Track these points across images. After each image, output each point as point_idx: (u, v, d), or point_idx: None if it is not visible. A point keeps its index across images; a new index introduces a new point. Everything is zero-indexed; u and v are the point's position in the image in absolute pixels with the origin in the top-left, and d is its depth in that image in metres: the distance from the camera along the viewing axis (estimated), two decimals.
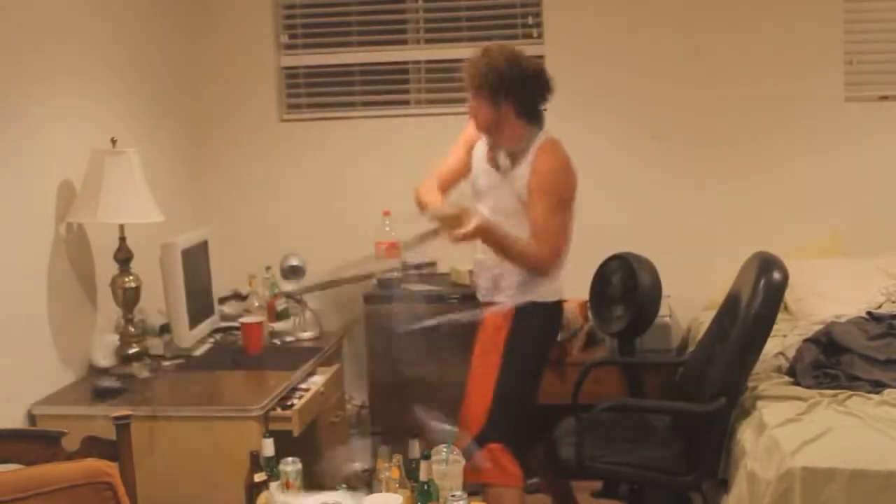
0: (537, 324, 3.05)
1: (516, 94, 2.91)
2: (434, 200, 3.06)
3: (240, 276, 3.96)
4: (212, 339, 3.58)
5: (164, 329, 3.43)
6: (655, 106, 4.26)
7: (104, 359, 3.16)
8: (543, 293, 3.02)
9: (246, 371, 3.19)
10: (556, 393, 3.49)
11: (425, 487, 2.33)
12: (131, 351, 3.13)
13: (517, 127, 2.96)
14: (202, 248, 3.55)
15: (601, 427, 3.09)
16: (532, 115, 2.98)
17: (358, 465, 2.70)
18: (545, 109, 3.06)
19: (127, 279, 3.13)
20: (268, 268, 3.92)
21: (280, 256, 4.06)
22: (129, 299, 3.14)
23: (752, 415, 2.87)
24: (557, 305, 3.10)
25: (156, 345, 3.35)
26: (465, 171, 3.19)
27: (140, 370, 3.09)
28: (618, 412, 3.25)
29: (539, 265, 2.92)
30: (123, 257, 3.14)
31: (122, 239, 3.14)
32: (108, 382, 2.95)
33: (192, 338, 3.34)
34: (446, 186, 3.21)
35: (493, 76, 2.88)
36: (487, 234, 2.88)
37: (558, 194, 2.90)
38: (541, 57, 4.33)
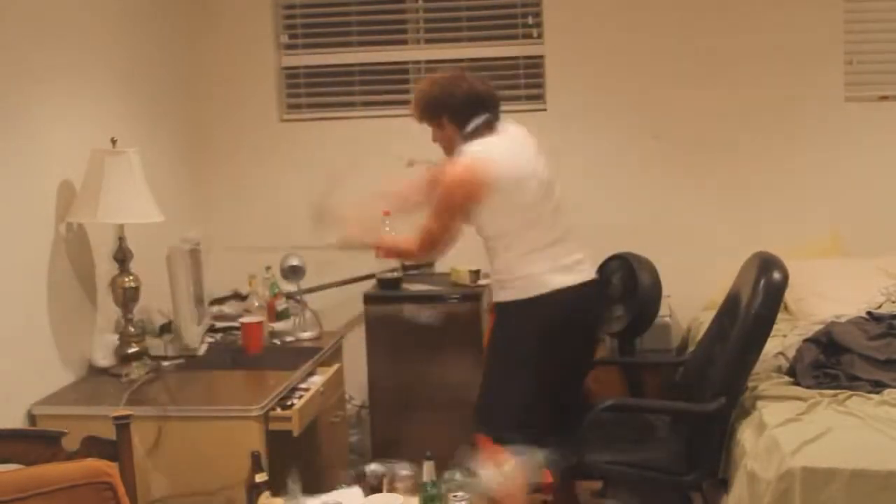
0: (515, 322, 3.04)
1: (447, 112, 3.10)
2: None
3: (240, 276, 3.96)
4: (211, 339, 3.58)
5: (165, 329, 3.43)
6: (655, 106, 4.26)
7: (103, 358, 3.16)
8: (522, 288, 3.00)
9: (246, 371, 3.19)
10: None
11: (428, 489, 2.33)
12: (130, 351, 3.13)
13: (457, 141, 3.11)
14: (197, 248, 3.55)
15: (601, 427, 3.09)
16: (466, 127, 3.07)
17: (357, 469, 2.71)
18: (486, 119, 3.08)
19: (126, 279, 3.13)
20: (268, 268, 3.92)
21: (280, 256, 4.06)
22: (128, 299, 3.14)
23: (752, 415, 2.87)
24: (543, 299, 2.99)
25: (156, 345, 3.36)
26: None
27: (139, 370, 3.09)
28: (618, 412, 3.24)
29: (406, 256, 3.47)
30: (123, 257, 3.14)
31: (122, 239, 3.15)
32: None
33: (199, 338, 3.36)
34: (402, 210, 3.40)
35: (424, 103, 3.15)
36: (351, 243, 3.19)
37: (445, 202, 3.02)
38: (541, 57, 4.35)
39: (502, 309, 3.07)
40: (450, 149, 3.11)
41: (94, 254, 3.27)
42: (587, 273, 3.10)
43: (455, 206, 3.01)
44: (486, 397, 3.08)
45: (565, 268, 3.02)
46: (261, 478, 2.47)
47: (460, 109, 3.05)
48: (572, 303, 3.01)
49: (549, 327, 2.98)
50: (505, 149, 3.02)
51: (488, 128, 3.05)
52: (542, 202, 3.05)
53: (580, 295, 3.04)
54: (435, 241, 3.07)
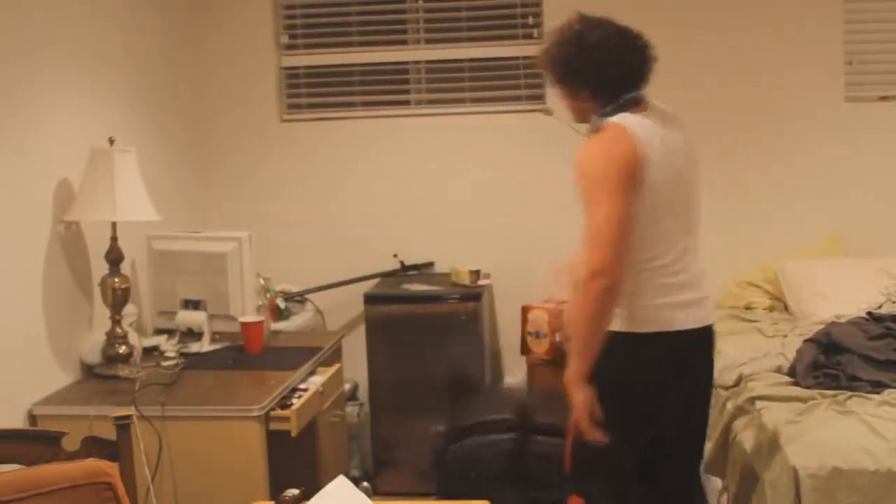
0: (611, 363, 2.37)
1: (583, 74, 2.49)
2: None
3: None
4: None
5: (164, 329, 3.43)
6: None
7: (90, 353, 3.14)
8: (625, 319, 2.40)
9: (246, 371, 3.19)
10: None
11: None
12: (120, 351, 3.12)
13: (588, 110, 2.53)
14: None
15: None
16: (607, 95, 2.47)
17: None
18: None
19: (116, 279, 3.12)
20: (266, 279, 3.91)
21: (280, 256, 4.06)
22: (117, 300, 3.12)
23: (752, 415, 2.87)
24: (659, 338, 2.40)
25: (156, 345, 3.36)
26: None
27: (125, 370, 3.08)
28: None
29: (591, 283, 2.28)
30: (114, 258, 3.13)
31: (114, 239, 3.13)
32: None
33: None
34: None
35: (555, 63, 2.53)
36: (575, 367, 2.38)
37: (593, 184, 2.34)
38: None
39: (608, 342, 2.38)
40: (579, 117, 2.58)
41: (91, 253, 3.26)
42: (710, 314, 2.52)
43: (610, 179, 2.31)
44: (574, 440, 2.46)
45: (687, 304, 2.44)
46: None
47: (606, 88, 2.47)
48: (667, 350, 2.43)
49: (657, 372, 2.43)
50: (651, 130, 2.41)
51: (636, 105, 2.47)
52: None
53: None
54: (602, 238, 2.29)
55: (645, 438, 2.44)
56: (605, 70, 2.46)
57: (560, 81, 2.54)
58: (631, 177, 2.33)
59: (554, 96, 2.65)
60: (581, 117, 2.56)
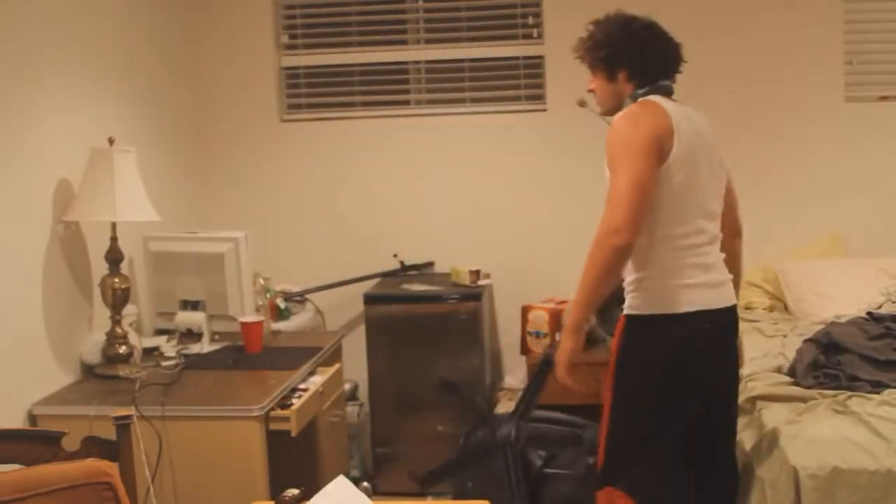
0: (644, 344, 2.45)
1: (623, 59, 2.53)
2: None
3: None
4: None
5: (164, 330, 3.43)
6: None
7: (90, 353, 3.14)
8: (656, 300, 2.44)
9: (246, 371, 3.19)
10: (558, 394, 3.48)
11: None
12: (121, 351, 3.12)
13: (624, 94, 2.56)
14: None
15: None
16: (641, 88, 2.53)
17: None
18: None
19: (116, 279, 3.12)
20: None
21: (280, 256, 4.06)
22: (117, 300, 3.12)
23: (752, 415, 2.87)
24: (684, 319, 2.43)
25: (156, 345, 3.36)
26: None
27: (125, 370, 3.08)
28: None
29: (605, 239, 2.31)
30: (114, 258, 3.13)
31: (114, 239, 3.13)
32: None
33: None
34: None
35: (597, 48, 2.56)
36: (576, 315, 2.44)
37: (619, 149, 2.38)
38: (541, 57, 4.35)
39: (629, 324, 2.49)
40: (609, 103, 2.60)
41: (91, 253, 3.26)
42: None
43: (636, 143, 2.35)
44: (607, 431, 2.52)
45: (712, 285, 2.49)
46: None
47: (646, 69, 2.52)
48: (695, 330, 2.46)
49: (685, 356, 2.46)
50: (682, 114, 2.48)
51: (668, 94, 2.55)
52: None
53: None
54: (622, 199, 2.31)
55: (680, 421, 2.45)
56: (648, 51, 2.53)
57: (601, 62, 2.56)
58: (658, 144, 2.38)
59: (586, 87, 2.65)
60: (615, 103, 2.58)
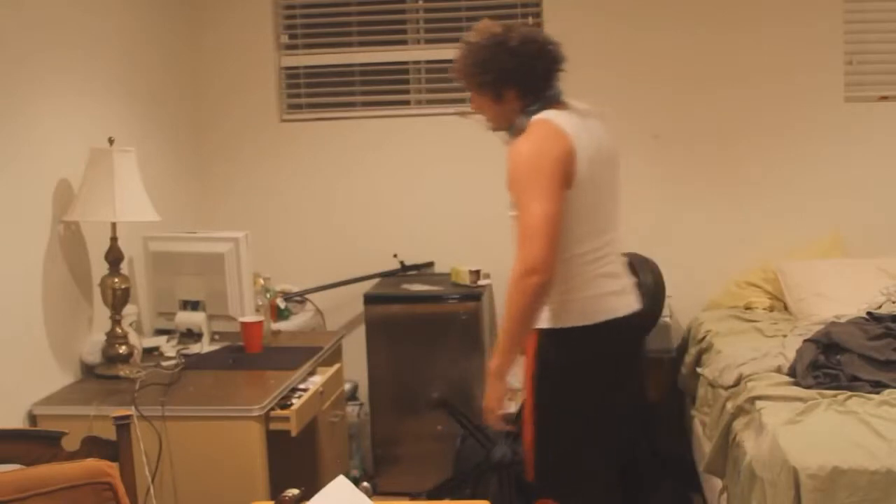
0: (559, 356, 2.49)
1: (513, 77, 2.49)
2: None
3: None
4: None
5: (164, 330, 3.43)
6: (656, 107, 4.26)
7: (90, 353, 3.14)
8: (568, 313, 2.46)
9: (246, 371, 3.19)
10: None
11: None
12: (121, 351, 3.12)
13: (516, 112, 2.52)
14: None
15: None
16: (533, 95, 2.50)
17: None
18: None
19: (116, 280, 3.12)
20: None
21: (280, 256, 4.06)
22: (117, 300, 3.12)
23: (752, 415, 2.87)
24: (590, 331, 2.46)
25: (156, 345, 3.36)
26: None
27: (125, 370, 3.08)
28: None
29: (525, 280, 2.29)
30: (114, 258, 3.13)
31: (114, 239, 3.13)
32: None
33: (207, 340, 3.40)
34: None
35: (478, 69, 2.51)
36: (499, 360, 2.48)
37: (527, 179, 2.35)
38: None
39: (540, 338, 2.50)
40: (499, 121, 2.57)
41: (90, 253, 3.26)
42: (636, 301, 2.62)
43: (543, 174, 2.32)
44: (533, 441, 2.56)
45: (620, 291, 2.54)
46: None
47: (534, 84, 2.48)
48: (600, 340, 2.50)
49: (595, 363, 2.51)
50: (578, 126, 2.44)
51: (557, 102, 2.51)
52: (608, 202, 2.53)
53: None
54: (536, 234, 2.29)
55: (601, 424, 2.55)
56: (537, 66, 2.48)
57: (485, 85, 2.53)
58: (563, 170, 2.36)
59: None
60: (503, 122, 2.55)
